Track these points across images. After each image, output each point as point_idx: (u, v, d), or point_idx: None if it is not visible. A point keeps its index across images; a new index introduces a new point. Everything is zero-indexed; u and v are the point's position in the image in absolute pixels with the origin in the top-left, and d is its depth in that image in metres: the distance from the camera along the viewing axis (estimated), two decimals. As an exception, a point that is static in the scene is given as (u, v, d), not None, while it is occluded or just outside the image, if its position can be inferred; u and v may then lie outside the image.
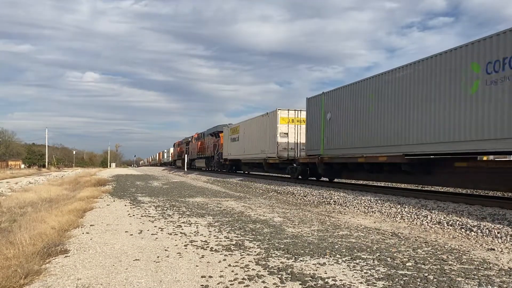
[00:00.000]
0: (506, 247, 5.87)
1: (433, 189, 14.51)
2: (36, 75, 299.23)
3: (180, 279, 4.18)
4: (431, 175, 11.76)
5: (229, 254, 5.23)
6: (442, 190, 13.53)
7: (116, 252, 5.34)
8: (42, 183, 25.49)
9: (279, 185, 17.01)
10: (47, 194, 14.53)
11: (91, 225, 7.45)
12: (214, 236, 6.49)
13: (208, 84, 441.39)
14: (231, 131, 30.05)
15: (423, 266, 4.73)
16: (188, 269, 4.55)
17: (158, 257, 5.11)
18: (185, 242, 6.01)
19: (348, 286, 3.98)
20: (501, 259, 5.18)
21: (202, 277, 4.26)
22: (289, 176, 20.15)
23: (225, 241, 6.08)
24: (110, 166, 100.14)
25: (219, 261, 4.88)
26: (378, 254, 5.30)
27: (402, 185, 16.00)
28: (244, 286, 3.98)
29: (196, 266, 4.69)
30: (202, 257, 5.10)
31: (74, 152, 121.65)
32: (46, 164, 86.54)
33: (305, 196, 13.18)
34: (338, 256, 5.19)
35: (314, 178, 18.72)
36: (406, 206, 9.44)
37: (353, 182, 18.33)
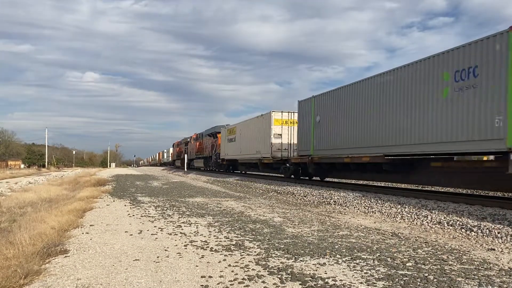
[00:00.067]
0: (507, 247, 5.87)
1: (433, 189, 14.52)
2: (36, 75, 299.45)
3: (180, 279, 4.18)
4: (410, 174, 12.60)
5: (229, 254, 5.22)
6: (442, 190, 13.53)
7: (116, 252, 5.34)
8: (42, 183, 25.48)
9: (279, 185, 17.02)
10: (46, 194, 14.53)
11: (91, 225, 7.45)
12: (214, 236, 6.48)
13: (208, 84, 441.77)
14: (228, 132, 30.65)
15: (423, 266, 4.72)
16: (188, 269, 4.55)
17: (158, 257, 5.10)
18: (185, 242, 6.00)
19: (348, 286, 3.97)
20: (501, 259, 5.18)
21: (202, 277, 4.26)
22: (282, 175, 20.95)
23: (225, 241, 6.08)
24: (110, 166, 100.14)
25: (219, 261, 4.88)
26: (378, 254, 5.29)
27: (402, 185, 16.02)
28: (244, 286, 3.97)
29: (196, 266, 4.69)
30: (202, 257, 5.10)
31: (74, 152, 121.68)
32: (46, 164, 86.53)
33: (305, 196, 13.17)
34: (338, 256, 5.18)
35: (307, 178, 19.35)
36: (406, 206, 9.44)
37: (353, 182, 18.46)
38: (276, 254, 5.25)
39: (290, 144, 21.36)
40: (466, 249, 5.72)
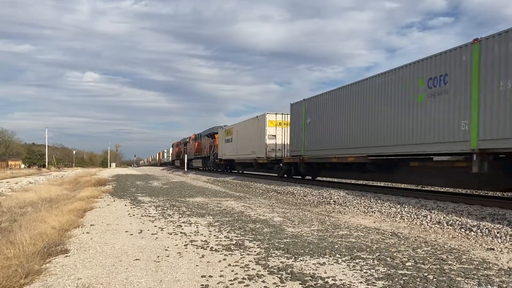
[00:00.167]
0: (506, 247, 5.88)
1: (432, 189, 14.53)
2: (36, 75, 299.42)
3: (180, 279, 4.19)
4: (392, 173, 13.34)
5: (229, 254, 5.24)
6: (442, 190, 13.55)
7: (116, 252, 5.35)
8: (42, 183, 25.49)
9: (279, 185, 17.04)
10: (47, 194, 14.54)
11: (91, 225, 7.46)
12: (214, 235, 6.50)
13: (208, 84, 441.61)
14: (225, 132, 31.41)
15: (422, 265, 4.73)
16: (188, 269, 4.56)
17: (158, 256, 5.12)
18: (185, 241, 6.02)
19: (348, 285, 3.99)
20: (500, 259, 5.19)
21: (202, 276, 4.27)
22: (276, 174, 22.02)
23: (225, 240, 6.09)
24: (110, 166, 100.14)
25: (219, 261, 4.89)
26: (378, 253, 5.31)
27: (402, 185, 16.04)
28: (244, 286, 3.99)
29: (196, 265, 4.70)
30: (202, 256, 5.11)
31: (74, 152, 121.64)
32: (46, 164, 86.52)
33: (305, 196, 13.19)
34: (338, 255, 5.19)
35: (299, 177, 20.08)
36: (406, 206, 9.45)
37: (355, 181, 18.51)
38: (276, 254, 5.26)
39: (284, 144, 22.19)
40: (465, 249, 5.74)
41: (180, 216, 8.76)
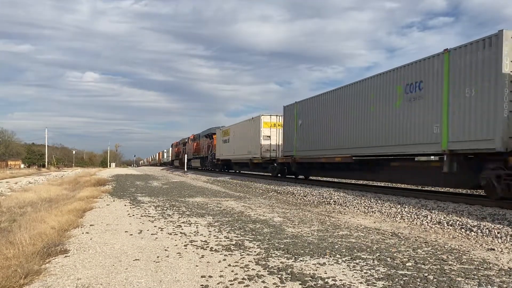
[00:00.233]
0: (506, 247, 5.88)
1: (433, 189, 14.54)
2: (36, 75, 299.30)
3: (180, 279, 4.18)
4: (375, 173, 14.20)
5: (229, 254, 5.23)
6: (442, 190, 13.55)
7: (116, 252, 5.34)
8: (42, 183, 25.48)
9: (279, 185, 17.04)
10: (46, 194, 14.53)
11: (91, 225, 7.45)
12: (214, 236, 6.49)
13: (208, 84, 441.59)
14: (222, 133, 32.30)
15: (423, 266, 4.72)
16: (188, 269, 4.55)
17: (158, 257, 5.11)
18: (185, 242, 6.01)
19: (348, 286, 3.98)
20: (501, 259, 5.18)
21: (202, 277, 4.26)
22: (270, 174, 22.98)
23: (225, 241, 6.08)
24: (110, 166, 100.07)
25: (219, 261, 4.88)
26: (378, 254, 5.30)
27: (402, 185, 16.05)
28: (244, 286, 3.98)
29: (196, 266, 4.69)
30: (202, 257, 5.10)
31: (74, 152, 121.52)
32: (46, 164, 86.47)
33: (305, 196, 13.18)
34: (338, 256, 5.19)
35: (293, 176, 20.86)
36: (406, 206, 9.45)
37: (355, 181, 18.55)
38: (276, 254, 5.25)
39: (278, 145, 23.00)
40: (465, 249, 5.73)
41: (180, 216, 8.75)
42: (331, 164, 16.11)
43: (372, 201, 10.69)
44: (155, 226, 7.38)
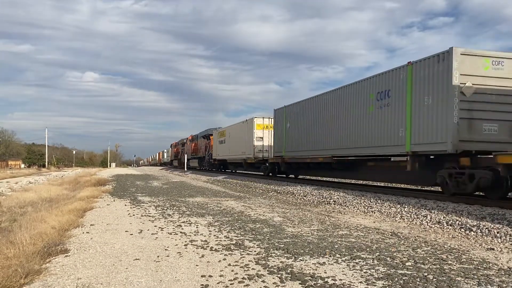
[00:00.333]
0: (506, 247, 5.88)
1: (433, 189, 14.53)
2: (36, 75, 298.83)
3: (180, 279, 4.19)
4: (354, 172, 15.70)
5: (229, 254, 5.24)
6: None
7: (116, 252, 5.36)
8: (42, 183, 25.51)
9: (278, 185, 17.06)
10: (47, 194, 14.55)
11: (91, 225, 7.46)
12: (214, 235, 6.50)
13: (208, 84, 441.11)
14: (219, 134, 33.60)
15: (422, 265, 4.74)
16: (188, 269, 4.56)
17: (158, 256, 5.12)
18: (185, 241, 6.02)
19: (348, 285, 3.99)
20: (500, 258, 5.19)
21: (202, 276, 4.27)
22: (262, 173, 24.20)
23: (225, 240, 6.09)
24: (110, 166, 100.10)
25: (219, 261, 4.90)
26: (378, 253, 5.31)
27: (402, 185, 16.06)
28: (244, 286, 3.99)
29: (196, 265, 4.70)
30: (202, 256, 5.11)
31: (74, 152, 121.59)
32: (46, 164, 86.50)
33: (305, 196, 13.19)
34: (337, 255, 5.20)
35: (284, 175, 22.13)
36: (406, 206, 9.46)
37: (355, 181, 18.59)
38: (276, 254, 5.26)
39: (270, 146, 23.95)
40: (465, 249, 5.74)
41: (180, 216, 8.76)
42: (315, 164, 17.25)
43: (371, 201, 10.70)
44: (155, 226, 7.39)
